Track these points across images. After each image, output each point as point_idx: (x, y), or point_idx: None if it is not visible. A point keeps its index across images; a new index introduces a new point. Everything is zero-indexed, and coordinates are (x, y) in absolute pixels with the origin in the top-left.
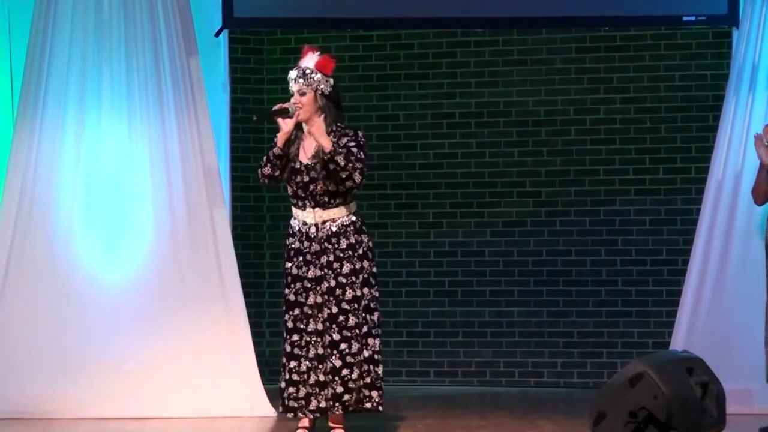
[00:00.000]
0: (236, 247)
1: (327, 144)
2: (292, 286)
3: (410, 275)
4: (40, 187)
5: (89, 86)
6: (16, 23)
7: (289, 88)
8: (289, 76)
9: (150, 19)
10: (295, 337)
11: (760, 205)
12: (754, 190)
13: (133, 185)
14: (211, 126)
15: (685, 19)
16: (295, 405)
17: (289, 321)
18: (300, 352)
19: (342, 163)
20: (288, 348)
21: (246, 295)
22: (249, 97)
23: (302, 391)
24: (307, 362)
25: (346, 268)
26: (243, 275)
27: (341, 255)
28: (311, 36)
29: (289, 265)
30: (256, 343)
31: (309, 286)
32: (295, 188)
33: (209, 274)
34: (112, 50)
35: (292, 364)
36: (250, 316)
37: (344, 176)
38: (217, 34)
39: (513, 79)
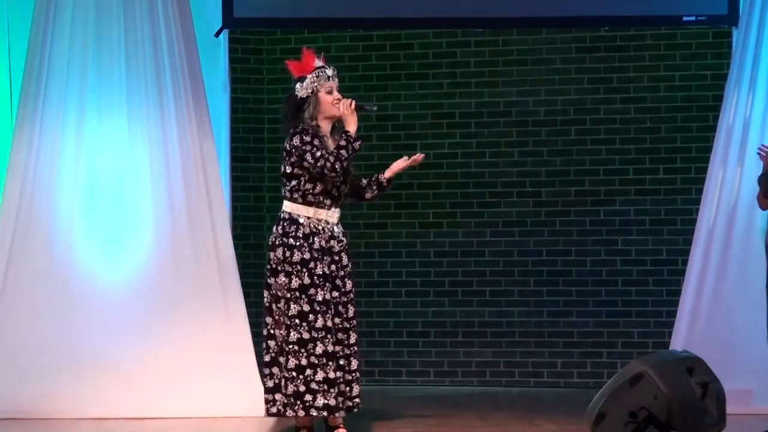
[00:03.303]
0: (236, 247)
1: (353, 128)
2: (327, 285)
3: (410, 275)
4: (40, 187)
5: (89, 86)
6: (15, 23)
7: (319, 83)
8: (324, 72)
9: (150, 19)
10: (318, 343)
11: (764, 209)
12: (760, 196)
13: (133, 185)
14: (211, 126)
15: (685, 19)
16: (315, 414)
17: (328, 321)
18: (318, 362)
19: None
20: (330, 348)
21: (246, 295)
22: (249, 97)
23: (320, 401)
24: (342, 361)
25: (351, 267)
26: (243, 275)
27: (348, 255)
28: (311, 36)
29: (314, 264)
30: (256, 343)
31: (339, 285)
32: (330, 187)
33: (209, 274)
34: (112, 50)
35: (309, 372)
36: (250, 316)
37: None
38: (217, 34)
39: (513, 79)
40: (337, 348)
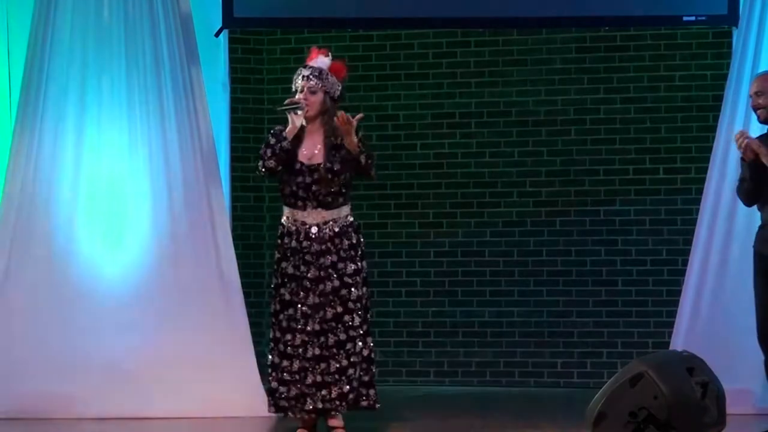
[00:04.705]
0: (236, 247)
1: (353, 147)
2: (288, 285)
3: (410, 275)
4: (40, 188)
5: (89, 87)
6: (15, 23)
7: (296, 84)
8: (300, 72)
9: (150, 19)
10: (289, 337)
11: (749, 206)
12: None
13: (133, 185)
14: (211, 126)
15: (685, 19)
16: (286, 404)
17: (284, 320)
18: (294, 352)
19: (363, 163)
20: (282, 347)
21: (246, 295)
22: (249, 97)
23: (293, 391)
24: (305, 362)
25: (350, 268)
26: (243, 275)
27: (344, 255)
28: (311, 36)
29: (285, 264)
30: (256, 343)
31: (308, 286)
32: (295, 188)
33: (209, 274)
34: (112, 51)
35: (285, 363)
36: (250, 316)
37: (366, 173)
38: (217, 34)
39: (513, 79)
40: (291, 350)
